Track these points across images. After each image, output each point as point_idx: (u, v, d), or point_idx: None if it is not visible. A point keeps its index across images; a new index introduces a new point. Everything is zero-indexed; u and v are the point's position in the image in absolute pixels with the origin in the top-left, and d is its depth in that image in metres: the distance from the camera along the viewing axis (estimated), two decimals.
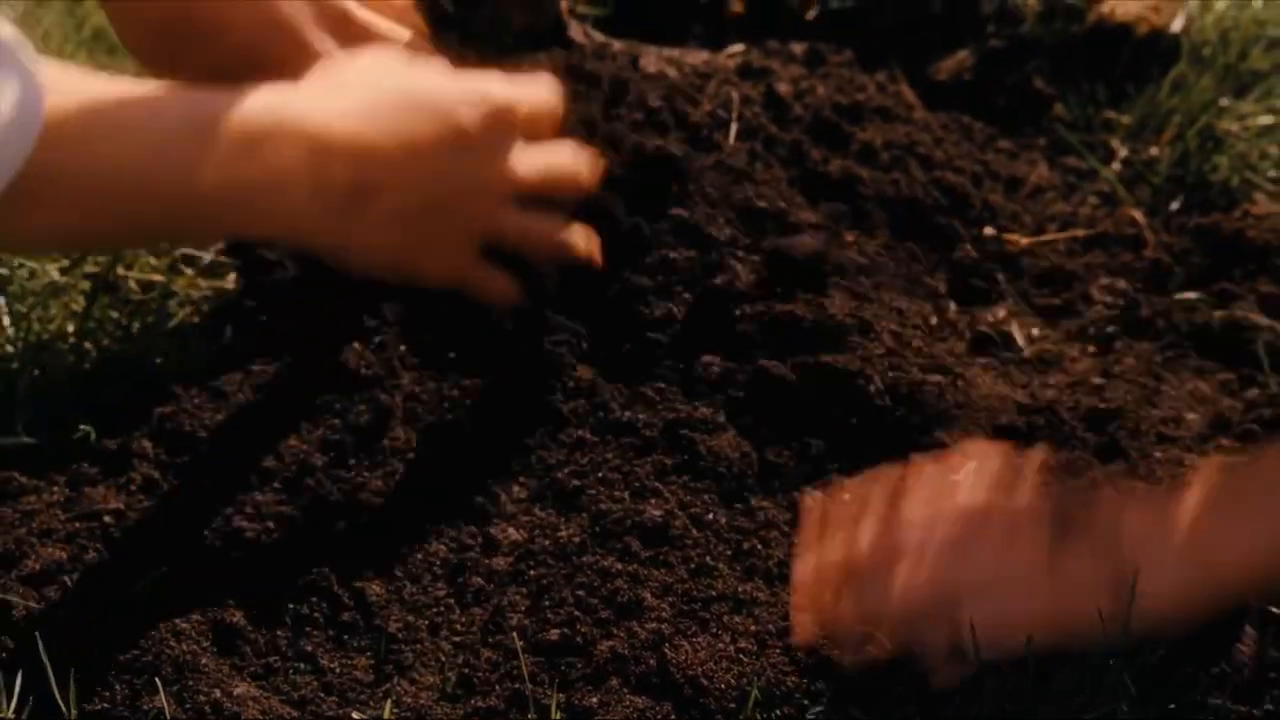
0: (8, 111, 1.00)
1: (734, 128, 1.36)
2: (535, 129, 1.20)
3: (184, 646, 1.08)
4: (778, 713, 1.05)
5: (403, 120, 1.15)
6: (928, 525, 1.09)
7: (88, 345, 1.27)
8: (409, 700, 1.05)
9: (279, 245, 1.31)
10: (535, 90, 1.21)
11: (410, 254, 1.18)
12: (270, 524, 1.17)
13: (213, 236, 1.26)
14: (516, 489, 1.19)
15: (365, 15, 1.28)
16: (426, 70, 1.19)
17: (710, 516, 1.16)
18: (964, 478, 1.11)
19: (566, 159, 1.21)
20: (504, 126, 1.18)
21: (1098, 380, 1.27)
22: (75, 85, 1.05)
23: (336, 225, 1.13)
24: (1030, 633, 1.03)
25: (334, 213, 1.13)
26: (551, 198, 1.22)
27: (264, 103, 1.10)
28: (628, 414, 1.21)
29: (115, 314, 1.31)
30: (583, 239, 1.22)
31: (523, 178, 1.18)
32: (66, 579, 1.13)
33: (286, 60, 1.22)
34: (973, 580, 1.07)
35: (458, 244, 1.20)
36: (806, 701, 1.06)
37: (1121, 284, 1.36)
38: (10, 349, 1.27)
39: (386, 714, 1.03)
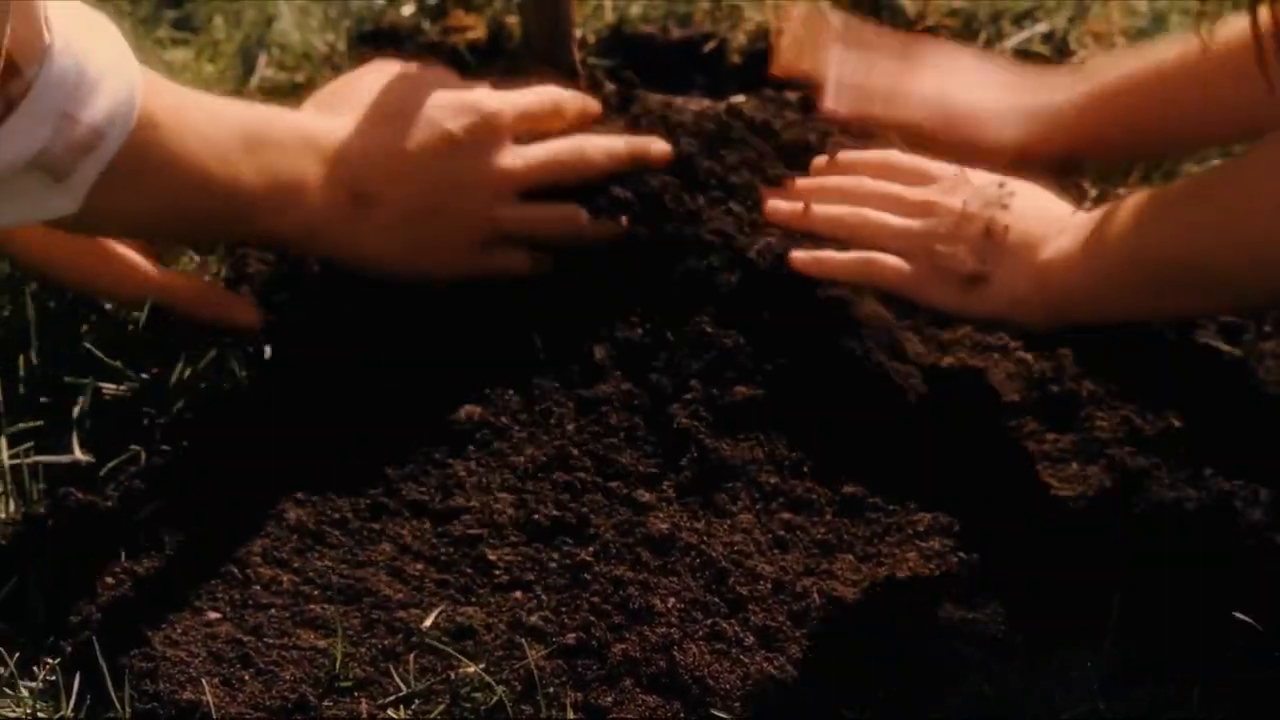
0: (115, 104, 1.10)
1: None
2: (536, 128, 1.27)
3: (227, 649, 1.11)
4: (777, 710, 1.06)
5: (395, 132, 1.24)
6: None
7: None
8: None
9: (310, 257, 1.35)
10: (531, 94, 1.29)
11: (415, 255, 1.27)
12: (319, 527, 1.19)
13: (256, 236, 1.30)
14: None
15: None
16: (423, 83, 1.26)
17: (711, 528, 1.18)
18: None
19: (566, 147, 1.28)
20: (491, 131, 1.26)
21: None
22: (159, 88, 1.15)
23: (344, 229, 1.24)
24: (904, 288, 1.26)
25: (340, 218, 1.23)
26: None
27: (291, 120, 1.24)
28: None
29: (166, 338, 1.33)
30: (582, 218, 1.28)
31: (519, 174, 1.26)
32: (120, 587, 1.15)
33: None
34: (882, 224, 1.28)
35: (459, 243, 1.27)
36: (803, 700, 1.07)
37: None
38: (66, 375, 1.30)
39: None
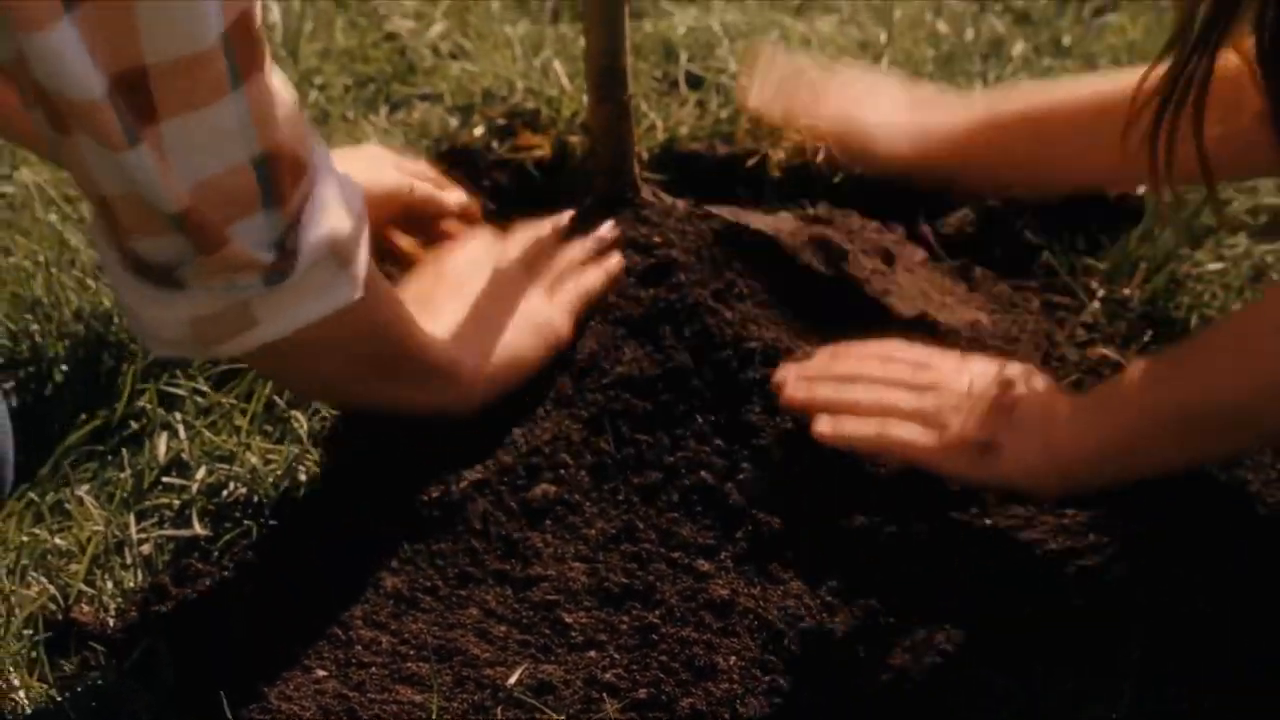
0: (354, 192, 1.11)
1: None
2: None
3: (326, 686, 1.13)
4: None
5: (517, 346, 1.29)
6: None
7: (248, 455, 1.32)
8: None
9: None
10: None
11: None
12: (413, 594, 1.20)
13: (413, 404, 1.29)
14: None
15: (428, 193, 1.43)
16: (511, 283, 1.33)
17: (766, 593, 1.20)
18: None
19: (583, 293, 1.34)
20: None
21: None
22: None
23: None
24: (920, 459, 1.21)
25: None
26: None
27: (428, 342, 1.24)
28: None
29: (269, 428, 1.36)
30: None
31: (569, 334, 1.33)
32: (238, 648, 1.17)
33: None
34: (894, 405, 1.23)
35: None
36: None
37: None
38: (185, 458, 1.33)
39: None
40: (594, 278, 1.35)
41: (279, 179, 1.03)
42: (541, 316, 1.32)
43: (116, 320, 1.44)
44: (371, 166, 1.40)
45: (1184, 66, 1.09)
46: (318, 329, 1.10)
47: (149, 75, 0.94)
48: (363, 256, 1.11)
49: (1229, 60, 1.10)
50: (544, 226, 1.40)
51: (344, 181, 1.10)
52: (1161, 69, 1.12)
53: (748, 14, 1.81)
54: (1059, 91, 1.41)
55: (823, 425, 1.21)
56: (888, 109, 1.45)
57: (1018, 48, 1.76)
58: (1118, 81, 1.29)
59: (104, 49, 0.92)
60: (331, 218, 1.07)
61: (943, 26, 1.78)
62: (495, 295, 1.32)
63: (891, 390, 1.23)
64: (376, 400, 1.26)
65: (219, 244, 1.02)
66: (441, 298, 1.31)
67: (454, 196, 1.46)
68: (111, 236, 1.04)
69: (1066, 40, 1.79)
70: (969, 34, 1.77)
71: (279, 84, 1.03)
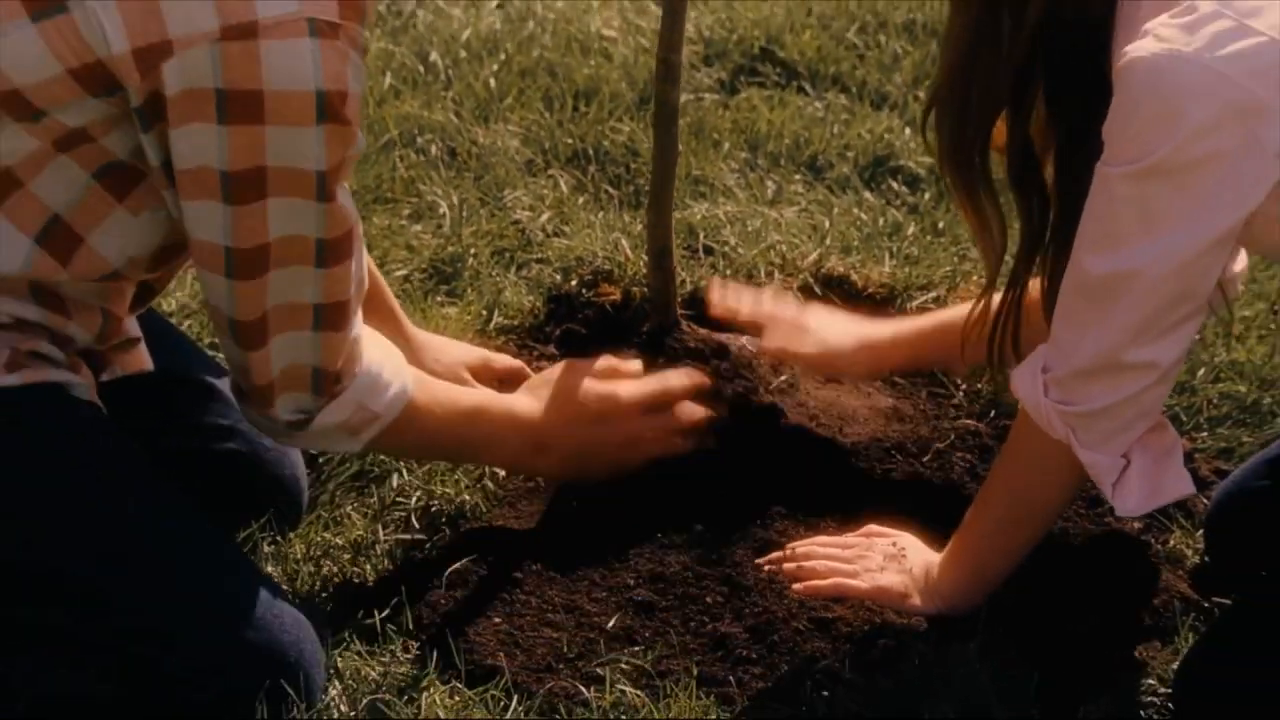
0: (393, 398, 1.26)
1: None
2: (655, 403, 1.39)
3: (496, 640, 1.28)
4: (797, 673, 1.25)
5: (560, 410, 1.37)
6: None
7: (444, 486, 1.44)
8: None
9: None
10: (652, 382, 1.39)
11: (581, 473, 1.40)
12: (548, 573, 1.34)
13: (480, 464, 1.43)
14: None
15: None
16: (582, 378, 1.39)
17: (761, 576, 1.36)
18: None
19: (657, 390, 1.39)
20: (619, 408, 1.38)
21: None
22: (423, 385, 1.28)
23: (529, 466, 1.40)
24: (865, 597, 1.31)
25: (527, 459, 1.38)
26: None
27: (499, 401, 1.36)
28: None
29: (452, 471, 1.47)
30: (677, 441, 1.40)
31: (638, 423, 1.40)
32: (446, 604, 1.30)
33: None
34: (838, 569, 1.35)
35: (609, 460, 1.40)
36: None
37: (970, 458, 1.51)
38: (406, 488, 1.44)
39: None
40: (683, 445, 1.39)
41: (323, 382, 1.20)
42: (616, 456, 1.38)
43: None
44: (459, 354, 1.55)
45: (1004, 303, 1.25)
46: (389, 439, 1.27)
47: (268, 316, 1.14)
48: (372, 430, 1.25)
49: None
50: (676, 378, 1.42)
51: (375, 386, 1.23)
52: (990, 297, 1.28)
53: (740, 206, 1.89)
54: (938, 317, 1.54)
55: (798, 586, 1.34)
56: (838, 333, 1.55)
57: (910, 229, 1.91)
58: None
59: (249, 302, 1.12)
60: (347, 411, 1.23)
61: (863, 215, 1.94)
62: (600, 420, 1.37)
63: (832, 561, 1.36)
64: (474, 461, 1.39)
65: (266, 405, 1.21)
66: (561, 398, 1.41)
67: (505, 366, 1.53)
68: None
69: (941, 224, 1.92)
70: (880, 221, 1.93)
71: (358, 328, 1.20)
